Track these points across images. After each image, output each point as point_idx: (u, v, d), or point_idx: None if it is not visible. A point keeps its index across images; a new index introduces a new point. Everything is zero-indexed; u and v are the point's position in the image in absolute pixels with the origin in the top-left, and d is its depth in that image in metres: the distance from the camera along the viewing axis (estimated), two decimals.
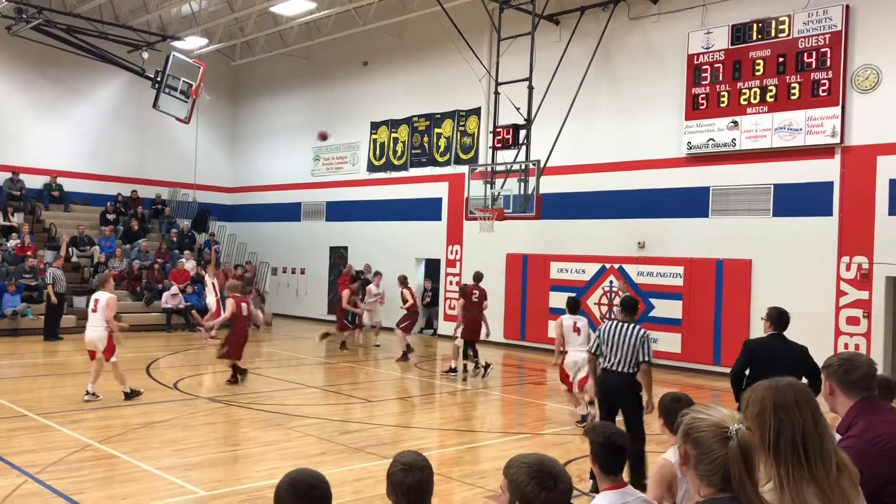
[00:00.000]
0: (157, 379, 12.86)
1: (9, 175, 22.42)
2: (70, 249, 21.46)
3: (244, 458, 8.21)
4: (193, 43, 22.84)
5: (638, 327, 7.28)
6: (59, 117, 23.74)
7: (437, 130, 21.04)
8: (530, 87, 16.63)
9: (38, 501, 6.35)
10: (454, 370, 14.20)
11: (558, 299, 17.28)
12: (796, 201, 14.49)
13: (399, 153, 22.08)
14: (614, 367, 7.16)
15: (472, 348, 14.17)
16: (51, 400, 10.76)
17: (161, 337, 18.85)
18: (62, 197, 23.39)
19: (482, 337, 14.28)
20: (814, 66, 14.18)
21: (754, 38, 14.93)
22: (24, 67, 22.51)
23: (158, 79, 18.93)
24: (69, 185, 23.63)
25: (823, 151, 14.16)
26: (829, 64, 14.01)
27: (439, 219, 20.85)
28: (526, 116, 16.53)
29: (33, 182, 22.93)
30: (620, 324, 7.28)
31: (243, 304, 12.73)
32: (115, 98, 24.58)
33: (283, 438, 8.99)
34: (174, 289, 20.74)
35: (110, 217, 23.38)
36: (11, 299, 18.14)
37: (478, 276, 14.66)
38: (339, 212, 23.85)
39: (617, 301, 16.80)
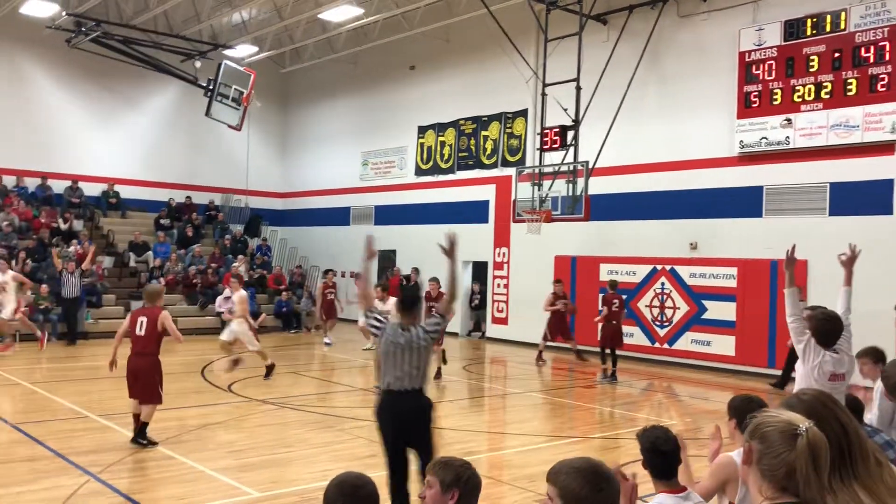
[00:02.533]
0: (211, 381, 13.12)
1: (69, 183, 23.13)
2: (127, 255, 22.05)
3: (297, 459, 8.33)
4: (244, 51, 23.27)
5: (418, 330, 5.76)
6: (115, 127, 24.41)
7: (483, 133, 21.05)
8: (578, 88, 16.53)
9: (99, 500, 6.54)
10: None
11: None
12: (853, 200, 14.12)
13: (446, 156, 22.15)
14: (398, 387, 5.69)
15: (614, 355, 14.57)
16: (111, 402, 11.04)
17: (215, 340, 19.17)
18: (119, 204, 24.03)
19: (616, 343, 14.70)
20: (871, 60, 13.80)
21: (808, 33, 14.60)
22: (83, 79, 23.21)
23: (210, 87, 19.32)
24: (126, 192, 24.27)
25: (882, 148, 13.76)
26: (887, 58, 13.62)
27: (486, 221, 20.84)
28: (574, 117, 16.43)
29: (92, 190, 23.62)
30: (399, 328, 5.74)
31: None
32: (170, 107, 25.17)
33: (334, 440, 9.10)
34: (227, 292, 21.09)
35: (165, 223, 23.94)
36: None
37: (613, 285, 14.94)
38: (387, 215, 24.03)
39: (669, 303, 16.60)
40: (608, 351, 14.56)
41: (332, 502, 2.63)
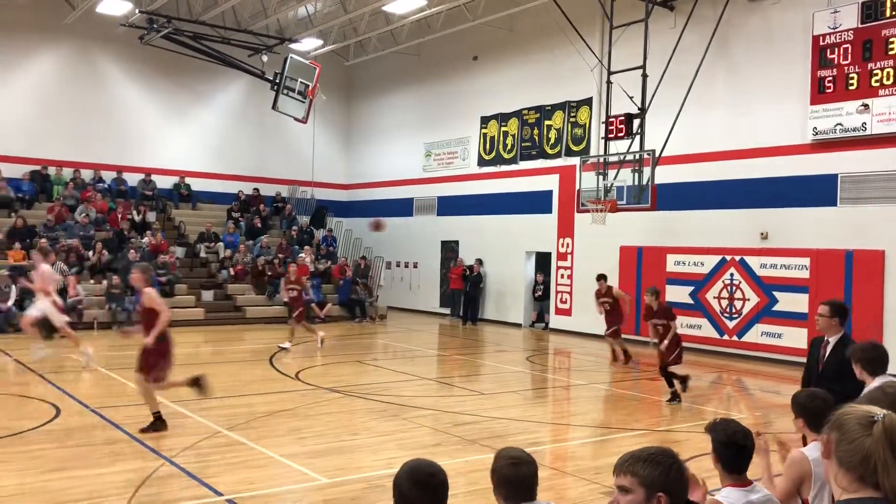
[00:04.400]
0: (279, 369, 13.40)
1: (142, 176, 23.88)
2: (198, 245, 22.67)
3: (363, 447, 8.45)
4: (309, 44, 23.59)
5: None
6: (186, 121, 25.09)
7: (547, 122, 20.89)
8: (644, 76, 16.23)
9: (175, 483, 6.76)
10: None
11: (676, 293, 16.85)
12: None
13: (509, 146, 22.06)
14: None
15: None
16: (182, 388, 11.37)
17: (282, 329, 19.56)
18: (190, 196, 24.69)
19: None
20: None
21: (888, 14, 14.01)
22: (155, 75, 23.89)
23: (277, 81, 19.65)
24: (196, 184, 24.92)
25: None
26: None
27: (550, 211, 20.69)
28: (640, 105, 16.16)
29: (164, 182, 24.33)
30: None
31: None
32: (238, 101, 25.70)
33: (399, 429, 9.19)
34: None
35: (234, 214, 24.51)
36: None
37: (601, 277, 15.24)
38: (449, 206, 24.09)
39: (739, 294, 16.22)
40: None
41: (405, 490, 2.66)
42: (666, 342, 11.44)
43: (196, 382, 9.04)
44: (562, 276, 20.35)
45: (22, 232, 19.74)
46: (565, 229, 20.25)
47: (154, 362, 8.60)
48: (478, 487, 6.95)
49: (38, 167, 22.27)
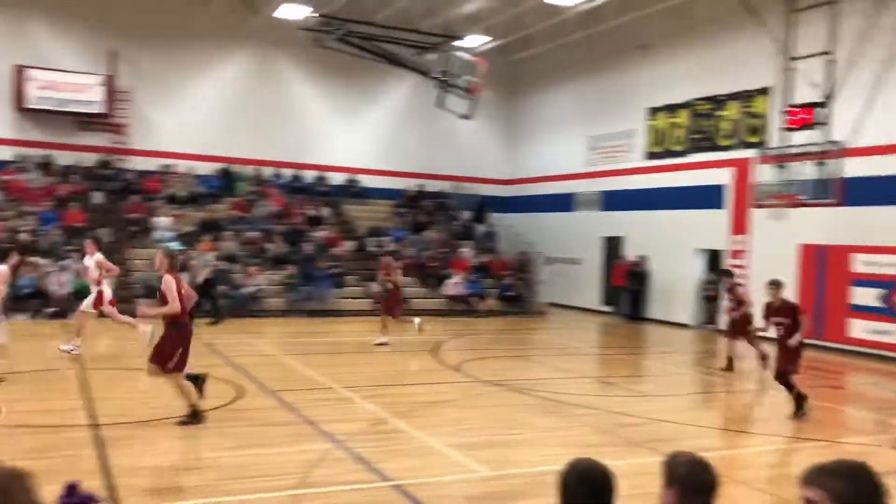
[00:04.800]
0: (442, 361, 13.66)
1: (317, 173, 25.14)
2: (367, 239, 23.57)
3: (523, 442, 8.43)
4: (475, 41, 23.82)
5: None
6: (357, 120, 26.12)
7: (720, 113, 19.91)
8: (830, 61, 15.08)
9: (344, 467, 7.06)
10: None
11: (862, 295, 15.58)
12: None
13: (679, 139, 21.24)
14: None
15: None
16: (352, 375, 11.88)
17: (444, 321, 19.96)
18: (360, 192, 25.70)
19: None
20: None
21: None
22: (329, 76, 25.05)
23: (442, 78, 20.00)
24: (366, 181, 25.90)
25: None
26: None
27: (721, 207, 19.72)
28: (825, 93, 15.04)
29: (336, 179, 25.49)
30: None
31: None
32: (405, 99, 26.43)
33: (559, 426, 9.10)
34: (457, 277, 21.87)
35: (401, 210, 25.27)
36: (321, 283, 20.32)
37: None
38: (613, 201, 23.56)
39: None
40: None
41: (572, 488, 2.60)
42: (792, 342, 9.89)
43: (197, 380, 8.69)
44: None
45: (210, 225, 21.38)
46: (740, 226, 19.23)
47: (170, 352, 8.30)
48: (641, 492, 6.73)
49: (223, 165, 23.99)
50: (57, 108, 21.57)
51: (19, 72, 21.19)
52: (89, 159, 22.40)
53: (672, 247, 21.01)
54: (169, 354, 8.30)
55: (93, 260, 12.98)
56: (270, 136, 24.63)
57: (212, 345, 14.43)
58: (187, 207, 22.14)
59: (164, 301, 8.30)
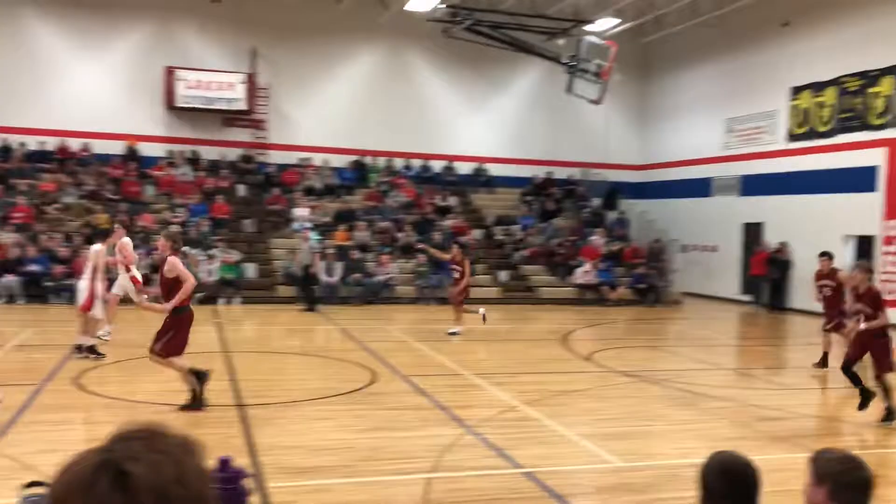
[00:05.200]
0: (572, 350, 13.53)
1: (445, 163, 25.43)
2: (494, 228, 23.65)
3: (657, 434, 8.24)
4: (605, 24, 23.32)
5: None
6: (485, 109, 26.19)
7: (872, 90, 18.56)
8: None
9: (475, 452, 7.13)
10: None
11: None
12: None
13: (824, 118, 19.98)
14: None
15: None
16: (482, 362, 11.98)
17: (574, 310, 19.76)
18: (488, 181, 25.79)
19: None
20: None
21: None
22: (457, 66, 25.23)
23: (571, 63, 19.72)
24: (493, 169, 25.95)
25: None
26: None
27: (873, 190, 18.41)
28: None
29: (464, 168, 25.69)
30: None
31: None
32: (532, 86, 26.25)
33: (695, 419, 8.82)
34: (587, 265, 21.57)
35: (529, 198, 25.17)
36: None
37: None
38: (753, 185, 22.48)
39: None
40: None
41: (713, 483, 2.52)
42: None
43: (199, 376, 8.35)
44: (893, 263, 18.01)
45: (345, 215, 22.11)
46: (893, 210, 17.90)
47: (165, 334, 8.18)
48: (784, 489, 6.42)
49: (357, 157, 24.70)
50: (203, 106, 22.89)
51: (170, 73, 22.62)
52: (233, 154, 23.65)
53: (817, 233, 19.77)
54: (162, 336, 8.17)
55: (117, 245, 11.91)
56: (401, 127, 25.10)
57: (346, 330, 14.94)
58: (323, 198, 22.97)
59: (166, 286, 8.17)
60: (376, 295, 19.66)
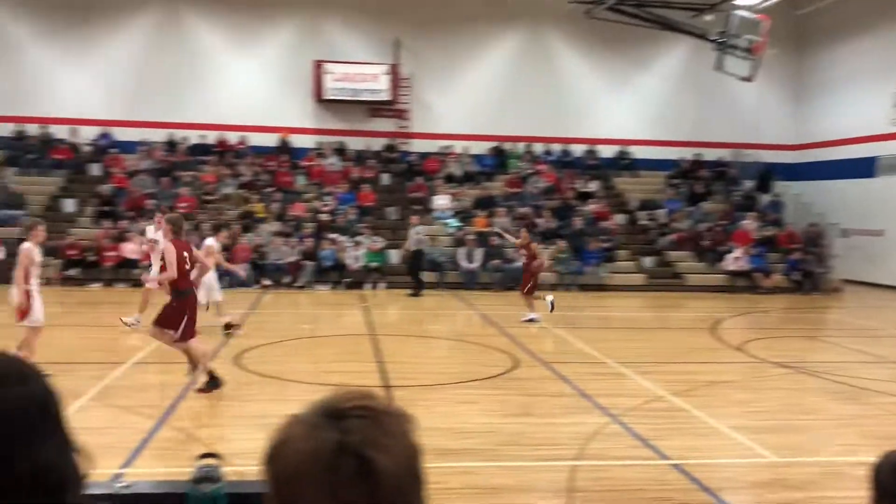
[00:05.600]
0: (722, 339, 12.99)
1: (586, 147, 24.99)
2: (638, 213, 23.04)
3: (817, 428, 7.78)
4: None
5: None
6: (627, 90, 25.50)
7: None
8: None
9: (620, 441, 7.00)
10: None
11: None
12: None
13: None
14: None
15: None
16: (625, 350, 11.71)
17: (724, 298, 18.94)
18: (631, 164, 25.13)
19: None
20: None
21: None
22: (599, 47, 24.68)
23: (720, 40, 18.84)
24: (637, 152, 25.24)
25: None
26: None
27: None
28: None
29: (606, 152, 25.15)
30: None
31: None
32: (678, 65, 25.29)
33: (859, 414, 8.25)
34: (738, 251, 20.60)
35: (675, 181, 24.31)
36: (591, 257, 20.26)
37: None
38: None
39: None
40: None
41: (888, 484, 2.33)
42: None
43: (211, 379, 8.29)
44: None
45: (484, 202, 22.22)
46: None
47: (175, 321, 8.24)
48: None
49: (496, 143, 24.74)
50: (350, 98, 23.65)
51: (318, 66, 23.52)
52: (377, 144, 24.31)
53: None
54: (174, 323, 8.23)
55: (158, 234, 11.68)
56: (541, 112, 24.88)
57: (487, 316, 15.05)
58: (464, 186, 23.19)
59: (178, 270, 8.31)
60: (516, 281, 19.65)
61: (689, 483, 5.94)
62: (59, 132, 22.65)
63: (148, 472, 5.73)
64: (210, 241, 12.20)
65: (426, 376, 9.60)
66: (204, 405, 7.97)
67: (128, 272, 18.14)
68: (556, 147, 25.06)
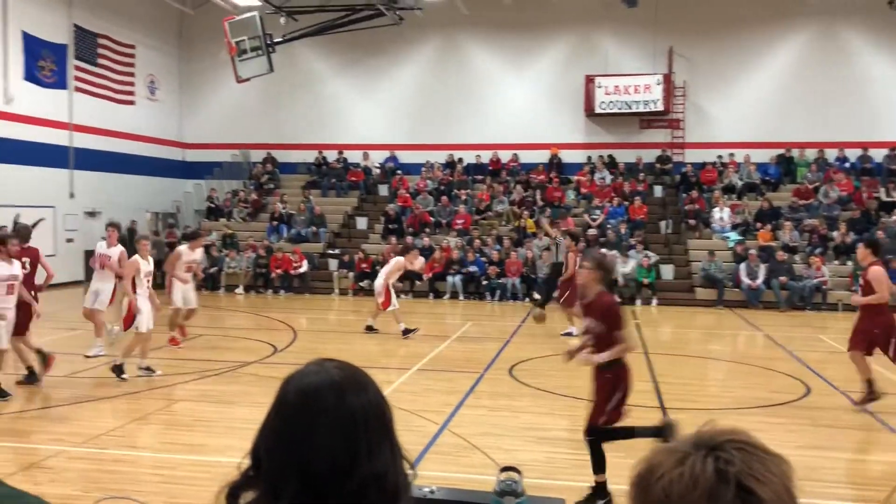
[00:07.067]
0: None
1: (887, 151, 22.26)
2: None
3: None
4: None
5: None
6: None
7: None
8: None
9: None
10: None
11: None
12: None
13: None
14: None
15: None
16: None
17: None
18: None
19: None
20: None
21: None
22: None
23: None
24: None
25: None
26: None
27: None
28: None
29: None
30: None
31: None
32: None
33: None
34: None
35: None
36: None
37: None
38: None
39: None
40: None
41: None
42: None
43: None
44: None
45: (768, 214, 20.66)
46: None
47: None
48: None
49: (781, 150, 22.93)
50: (621, 111, 23.36)
51: (589, 81, 23.53)
52: (649, 156, 23.70)
53: None
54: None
55: (116, 252, 10.74)
56: (833, 115, 22.68)
57: (771, 337, 13.95)
58: (744, 197, 21.81)
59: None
60: (805, 300, 18.02)
61: None
62: (353, 157, 25.01)
63: (435, 477, 6.02)
64: (182, 248, 11.81)
65: (705, 399, 9.10)
66: (482, 413, 8.23)
67: (412, 283, 19.38)
68: (853, 152, 22.65)
